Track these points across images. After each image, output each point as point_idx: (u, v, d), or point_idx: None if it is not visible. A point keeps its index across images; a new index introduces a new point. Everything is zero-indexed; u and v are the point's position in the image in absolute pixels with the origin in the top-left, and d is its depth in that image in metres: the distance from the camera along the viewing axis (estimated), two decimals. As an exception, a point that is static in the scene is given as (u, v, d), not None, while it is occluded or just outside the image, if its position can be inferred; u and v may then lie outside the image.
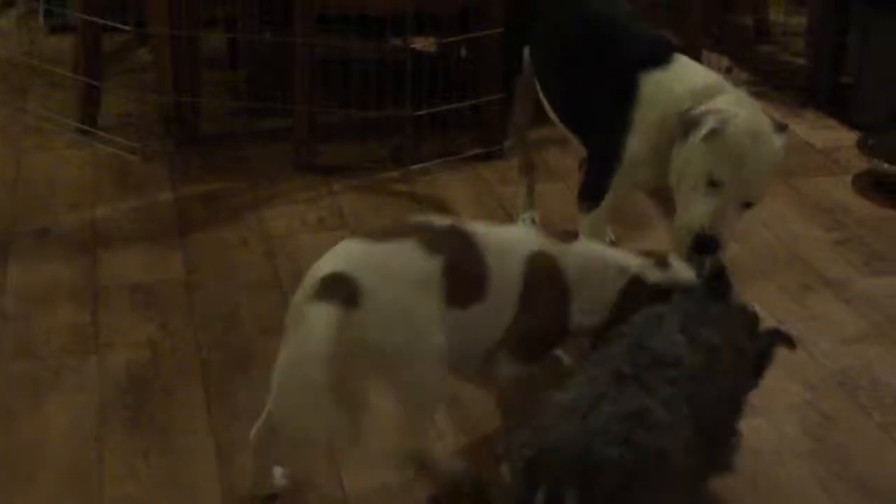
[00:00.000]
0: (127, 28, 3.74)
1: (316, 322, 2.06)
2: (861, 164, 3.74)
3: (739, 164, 2.49)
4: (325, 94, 3.84)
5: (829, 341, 2.84)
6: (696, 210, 2.52)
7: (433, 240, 2.21)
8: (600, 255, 2.36)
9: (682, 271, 2.33)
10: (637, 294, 2.29)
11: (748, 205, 2.55)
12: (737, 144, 2.49)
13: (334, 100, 3.86)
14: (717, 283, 2.25)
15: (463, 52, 4.11)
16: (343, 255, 2.17)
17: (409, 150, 3.72)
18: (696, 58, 4.31)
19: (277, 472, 2.34)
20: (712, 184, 2.50)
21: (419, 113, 3.64)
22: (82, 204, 3.50)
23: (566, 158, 3.62)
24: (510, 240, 2.34)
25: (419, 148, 3.78)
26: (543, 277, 2.30)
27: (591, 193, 2.75)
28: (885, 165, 3.66)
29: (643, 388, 1.95)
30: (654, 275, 2.32)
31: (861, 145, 3.76)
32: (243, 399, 2.58)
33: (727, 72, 4.54)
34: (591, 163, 2.81)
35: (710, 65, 4.42)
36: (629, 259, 2.35)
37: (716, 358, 2.08)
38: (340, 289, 2.09)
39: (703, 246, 2.49)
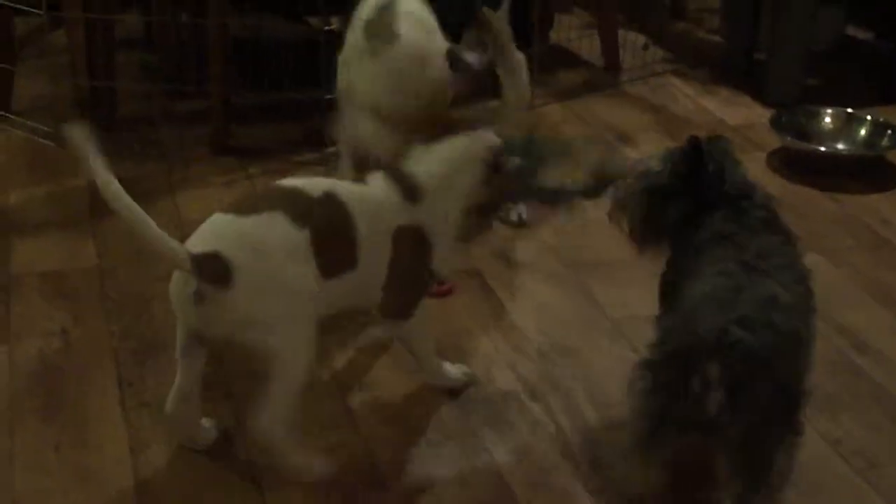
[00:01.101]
0: (39, 12, 3.69)
1: (181, 306, 2.16)
2: (774, 141, 3.78)
3: None
4: (240, 76, 3.82)
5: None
6: None
7: (302, 210, 2.22)
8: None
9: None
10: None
11: None
12: None
13: (249, 82, 3.84)
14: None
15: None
16: (213, 232, 2.18)
17: (325, 132, 3.71)
18: (613, 35, 4.41)
19: (206, 422, 2.40)
20: None
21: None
22: (-6, 190, 3.47)
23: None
24: (378, 202, 2.34)
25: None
26: (409, 237, 2.36)
27: None
28: (798, 143, 3.70)
29: (770, 276, 2.08)
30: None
31: (774, 123, 3.81)
32: (153, 386, 2.57)
33: (644, 49, 4.58)
34: None
35: (626, 42, 4.48)
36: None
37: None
38: (212, 268, 2.10)
39: None
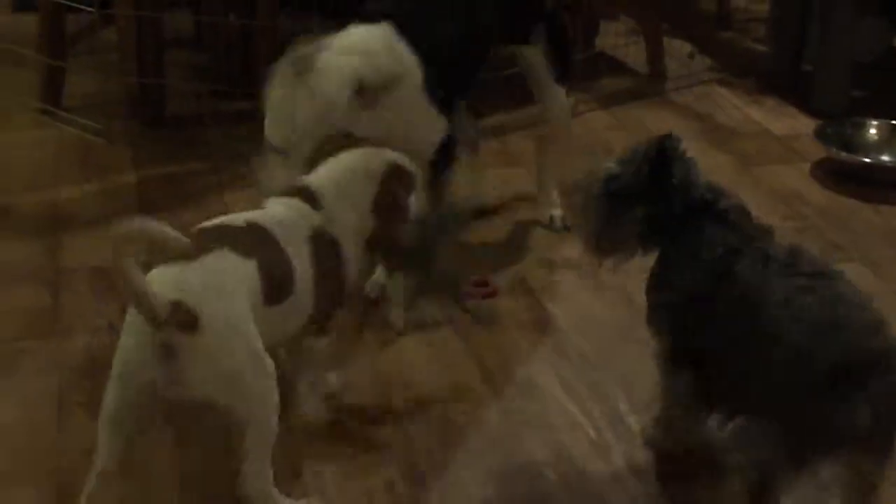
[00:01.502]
0: (90, 9, 3.73)
1: (139, 365, 2.04)
2: (819, 152, 3.78)
3: None
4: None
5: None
6: None
7: (241, 242, 2.16)
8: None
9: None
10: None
11: None
12: None
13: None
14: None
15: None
16: (166, 283, 2.03)
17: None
18: (658, 43, 4.41)
19: None
20: None
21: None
22: (44, 185, 3.50)
23: (527, 143, 3.65)
24: (289, 216, 2.32)
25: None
26: (323, 249, 2.34)
27: None
28: (843, 154, 3.70)
29: (832, 277, 2.13)
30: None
31: (819, 133, 3.80)
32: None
33: (690, 57, 4.58)
34: None
35: (672, 50, 4.49)
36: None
37: None
38: (179, 316, 2.00)
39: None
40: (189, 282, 2.04)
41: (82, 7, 3.75)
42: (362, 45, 2.66)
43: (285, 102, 2.61)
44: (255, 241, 2.20)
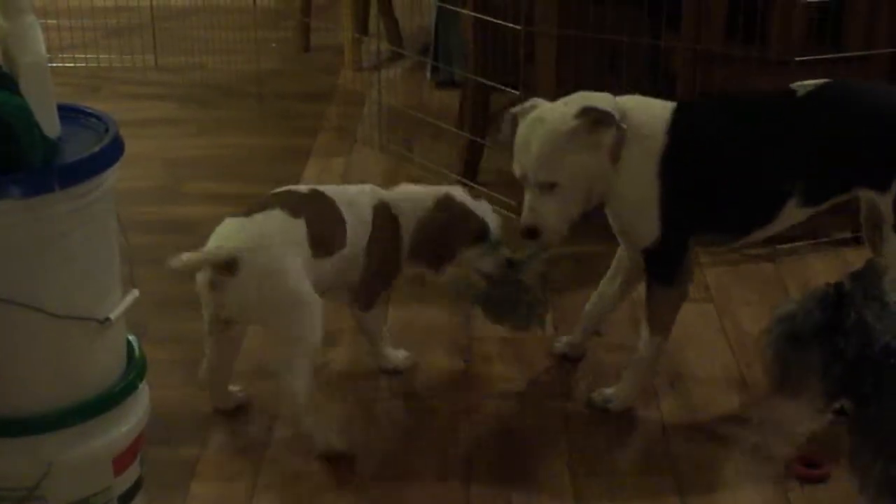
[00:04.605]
0: (515, 91, 3.89)
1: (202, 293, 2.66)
2: None
3: (521, 151, 2.72)
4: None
5: None
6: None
7: (294, 204, 2.71)
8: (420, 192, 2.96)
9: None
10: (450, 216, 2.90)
11: (552, 186, 2.70)
12: (520, 136, 2.74)
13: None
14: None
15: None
16: (222, 233, 2.68)
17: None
18: None
19: (234, 388, 2.88)
20: (525, 178, 2.73)
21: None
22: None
23: None
24: (357, 194, 2.86)
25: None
26: (384, 222, 2.85)
27: None
28: None
29: None
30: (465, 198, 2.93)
31: None
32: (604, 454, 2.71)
33: None
34: None
35: None
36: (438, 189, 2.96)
37: None
38: (221, 261, 2.58)
39: (527, 234, 2.76)
40: (234, 234, 2.66)
41: (508, 89, 3.91)
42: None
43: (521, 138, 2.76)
44: (309, 203, 2.76)
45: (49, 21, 5.05)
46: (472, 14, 4.05)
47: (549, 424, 2.86)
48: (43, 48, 2.14)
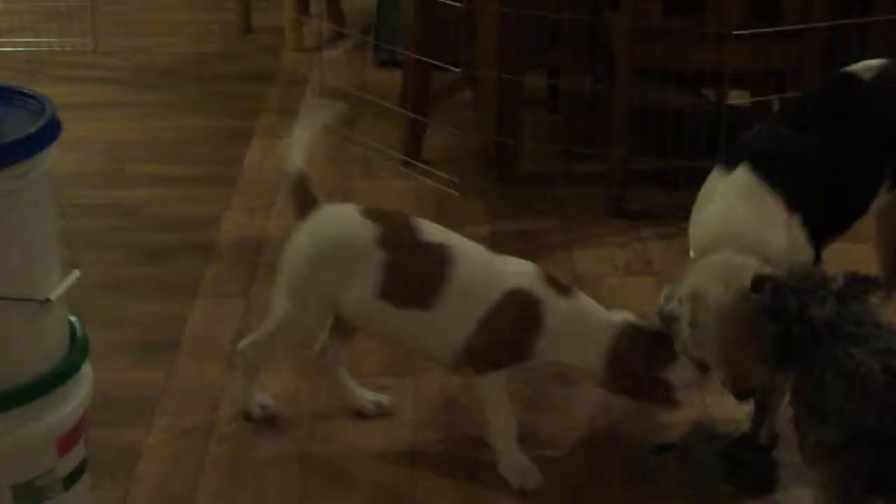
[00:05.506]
0: (456, 70, 3.91)
1: None
2: None
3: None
4: (639, 141, 3.93)
5: None
6: None
7: (385, 230, 2.56)
8: (588, 311, 2.60)
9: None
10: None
11: None
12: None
13: (648, 147, 3.94)
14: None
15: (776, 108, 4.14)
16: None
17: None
18: None
19: (261, 395, 2.79)
20: None
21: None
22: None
23: None
24: (501, 269, 2.60)
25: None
26: (516, 311, 2.52)
27: None
28: None
29: None
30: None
31: None
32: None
33: None
34: None
35: None
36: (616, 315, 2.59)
37: None
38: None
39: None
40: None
41: (449, 67, 3.92)
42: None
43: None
44: (401, 239, 2.57)
45: (-14, 5, 5.01)
46: (414, -8, 4.05)
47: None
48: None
